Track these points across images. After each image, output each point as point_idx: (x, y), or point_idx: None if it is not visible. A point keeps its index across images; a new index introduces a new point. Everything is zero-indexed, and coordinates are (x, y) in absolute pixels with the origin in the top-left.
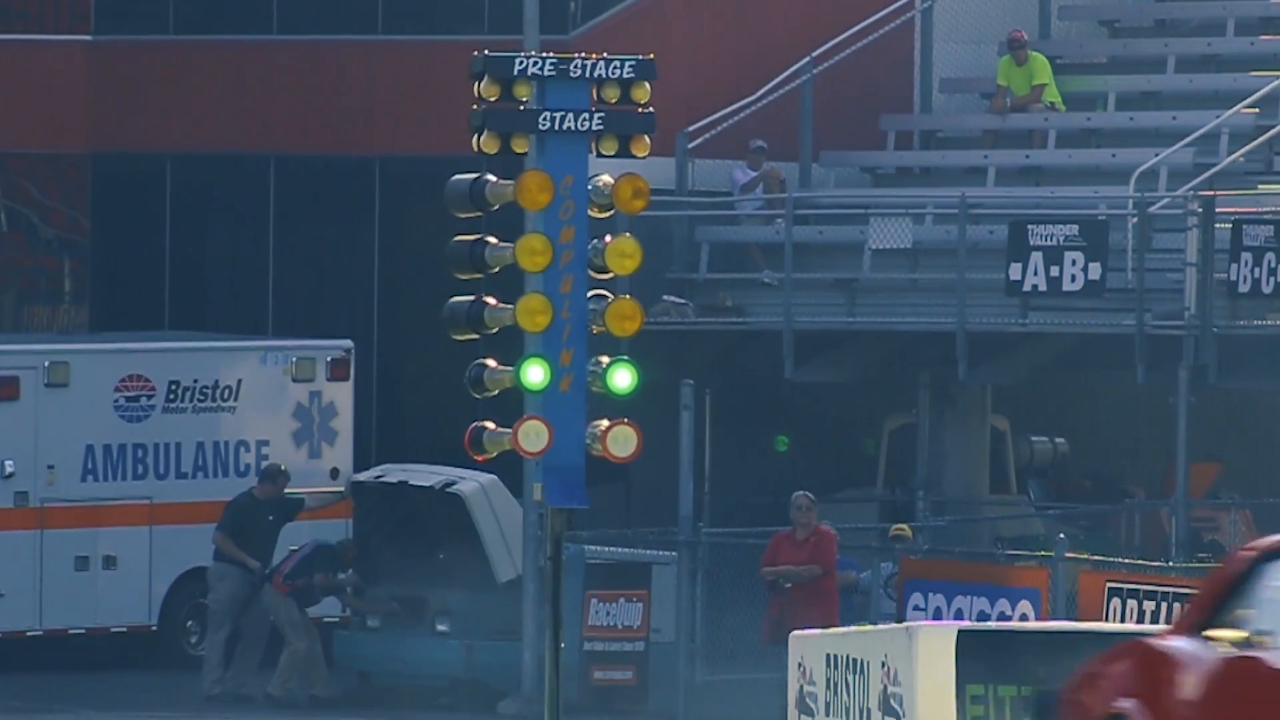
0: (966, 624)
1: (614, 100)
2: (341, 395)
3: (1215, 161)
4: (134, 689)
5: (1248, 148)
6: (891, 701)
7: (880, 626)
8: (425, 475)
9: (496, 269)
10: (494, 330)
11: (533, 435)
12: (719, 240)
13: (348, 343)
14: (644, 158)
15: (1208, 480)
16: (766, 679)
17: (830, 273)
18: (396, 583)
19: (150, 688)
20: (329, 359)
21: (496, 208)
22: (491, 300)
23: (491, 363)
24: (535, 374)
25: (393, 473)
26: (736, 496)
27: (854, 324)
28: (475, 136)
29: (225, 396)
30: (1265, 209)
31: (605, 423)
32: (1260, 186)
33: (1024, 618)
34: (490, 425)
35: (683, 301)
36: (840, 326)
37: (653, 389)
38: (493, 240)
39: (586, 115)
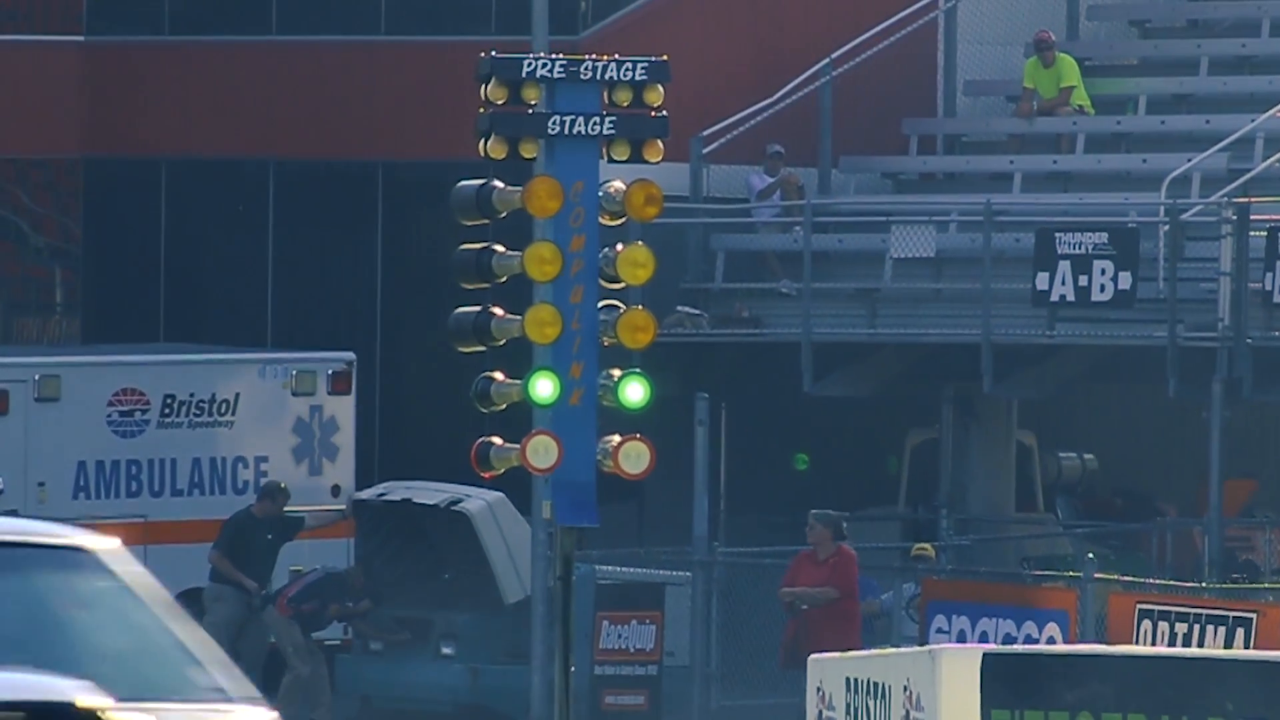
0: (992, 647)
1: (626, 103)
2: (343, 410)
3: (1250, 167)
4: None
5: None
6: None
7: (902, 649)
8: (430, 493)
9: (504, 278)
10: (501, 342)
11: (542, 451)
12: (735, 249)
13: (350, 355)
14: (657, 163)
15: (1242, 498)
16: (784, 704)
17: (850, 282)
18: (400, 604)
19: None
20: (330, 372)
21: (504, 215)
22: (499, 311)
23: (499, 376)
24: (544, 387)
25: (396, 490)
26: (753, 515)
27: (875, 336)
28: (482, 141)
29: (222, 411)
30: None
31: (617, 438)
32: None
33: (1051, 641)
34: (497, 441)
35: (697, 312)
36: (861, 338)
37: (666, 403)
38: (500, 249)
39: (597, 119)
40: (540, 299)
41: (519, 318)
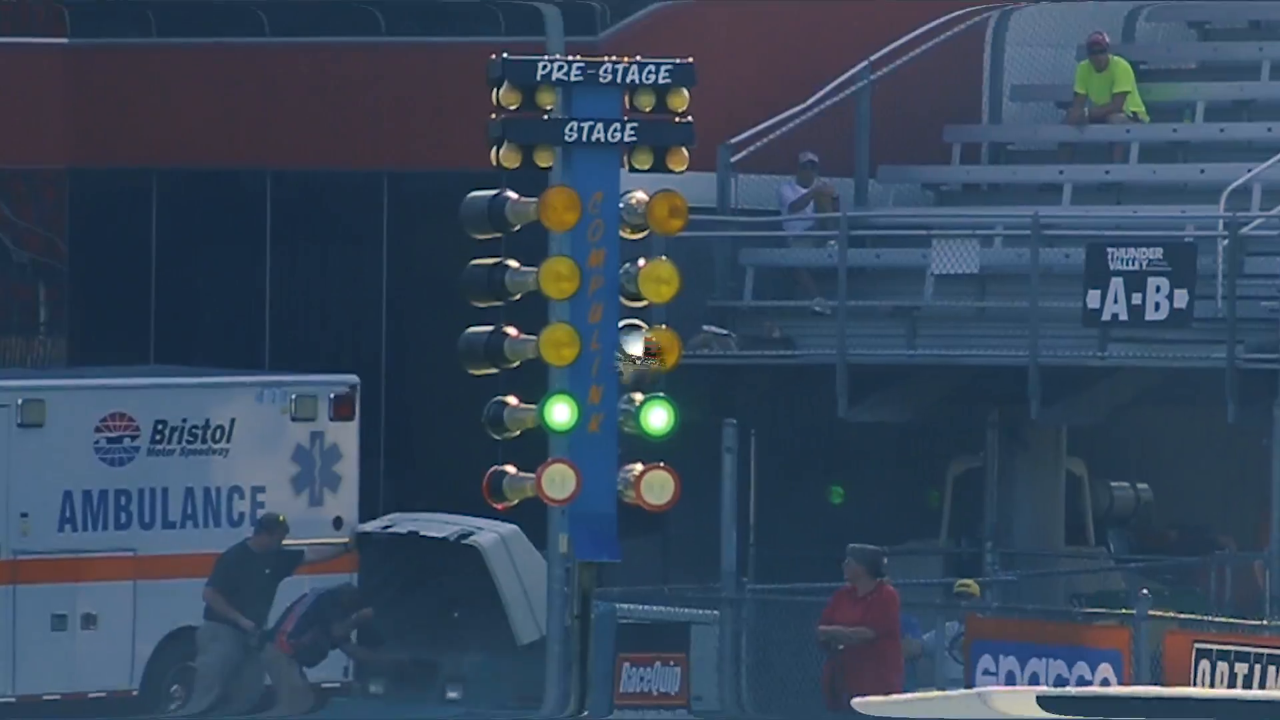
0: (1041, 689)
1: (648, 109)
2: (346, 436)
3: None
4: None
5: None
6: None
7: (950, 692)
8: (438, 525)
9: (518, 296)
10: (515, 364)
11: (558, 481)
12: (765, 264)
13: (353, 378)
14: (682, 173)
15: None
16: None
17: (889, 300)
18: (405, 644)
19: None
20: (332, 396)
21: (518, 228)
22: (512, 331)
23: (512, 400)
24: (561, 413)
25: (402, 523)
26: (785, 549)
27: (915, 357)
28: (494, 149)
29: (217, 438)
30: None
31: (639, 467)
32: None
33: (1104, 682)
34: (511, 469)
35: (725, 332)
36: (900, 360)
37: (692, 430)
38: (514, 264)
39: (618, 125)
40: (557, 318)
41: (534, 338)
